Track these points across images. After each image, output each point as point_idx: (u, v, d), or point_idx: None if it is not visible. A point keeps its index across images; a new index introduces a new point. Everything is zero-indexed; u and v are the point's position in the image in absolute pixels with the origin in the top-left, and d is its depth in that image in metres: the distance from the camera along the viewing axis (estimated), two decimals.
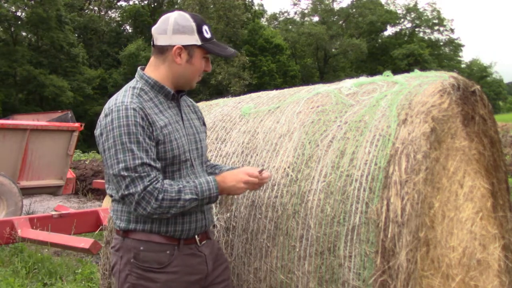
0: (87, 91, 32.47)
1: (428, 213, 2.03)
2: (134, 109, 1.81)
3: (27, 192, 8.09)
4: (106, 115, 1.84)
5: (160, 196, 1.78)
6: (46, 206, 10.00)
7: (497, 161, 2.58)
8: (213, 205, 2.27)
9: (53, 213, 5.74)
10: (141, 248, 1.88)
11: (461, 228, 2.31)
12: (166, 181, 1.84)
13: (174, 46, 1.90)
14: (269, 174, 2.03)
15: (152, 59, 2.00)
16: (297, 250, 2.02)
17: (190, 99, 2.18)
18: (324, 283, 1.94)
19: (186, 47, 1.92)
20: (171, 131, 1.90)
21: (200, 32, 1.93)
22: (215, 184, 1.90)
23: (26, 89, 31.24)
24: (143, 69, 2.02)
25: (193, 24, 1.93)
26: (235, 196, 2.26)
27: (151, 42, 2.01)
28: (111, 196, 2.01)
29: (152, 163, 1.81)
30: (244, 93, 3.44)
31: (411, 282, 1.78)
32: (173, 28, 1.91)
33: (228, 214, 2.29)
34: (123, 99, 1.85)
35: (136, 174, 1.76)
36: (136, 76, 2.01)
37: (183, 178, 1.94)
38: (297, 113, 2.36)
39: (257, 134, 2.41)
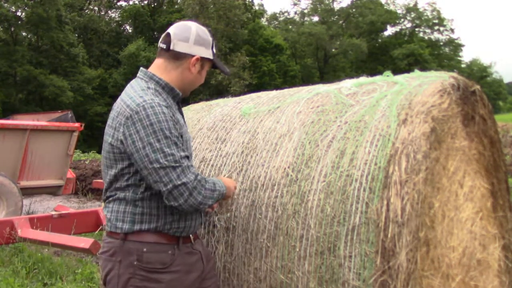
0: (87, 91, 32.44)
1: (428, 213, 2.03)
2: (165, 107, 1.87)
3: (27, 192, 8.09)
4: (137, 112, 1.83)
5: (207, 186, 1.89)
6: (46, 206, 10.00)
7: (497, 161, 2.58)
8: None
9: (53, 213, 5.73)
10: (144, 249, 1.89)
11: (461, 228, 2.31)
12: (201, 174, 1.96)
13: (193, 56, 2.00)
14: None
15: (161, 62, 2.03)
16: (297, 250, 2.02)
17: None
18: (324, 283, 1.94)
19: (202, 59, 2.03)
20: (184, 132, 1.99)
21: (213, 47, 2.08)
22: (223, 183, 2.04)
23: (26, 89, 31.21)
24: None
25: (211, 39, 2.07)
26: (235, 196, 2.27)
27: (163, 46, 2.03)
28: (107, 197, 1.98)
29: (189, 156, 1.92)
30: (244, 93, 3.45)
31: (411, 282, 1.78)
32: (195, 38, 2.01)
33: (228, 214, 2.29)
34: (150, 97, 1.88)
35: (184, 164, 1.83)
36: (142, 76, 2.02)
37: None
38: (297, 113, 2.37)
39: (257, 134, 2.41)
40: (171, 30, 2.04)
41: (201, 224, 2.12)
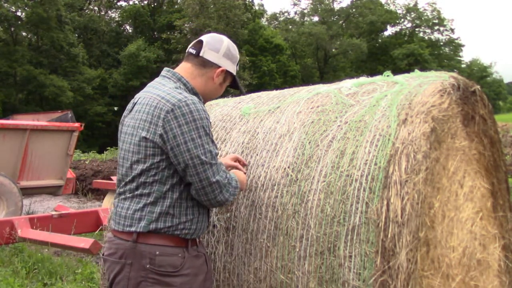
0: (87, 91, 32.45)
1: (428, 213, 2.03)
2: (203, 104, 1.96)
3: (27, 192, 8.09)
4: (179, 107, 1.85)
5: (233, 183, 1.97)
6: (46, 206, 10.01)
7: (497, 161, 2.58)
8: None
9: (53, 213, 5.73)
10: (157, 252, 1.88)
11: (461, 228, 2.31)
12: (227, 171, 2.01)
13: (220, 67, 2.07)
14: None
15: (189, 66, 2.08)
16: (297, 250, 2.02)
17: None
18: (324, 283, 1.94)
19: (226, 71, 2.11)
20: None
21: (237, 64, 2.18)
22: (237, 179, 2.08)
23: (26, 89, 31.22)
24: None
25: (238, 57, 2.17)
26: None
27: (192, 51, 2.08)
28: (124, 193, 1.96)
29: None
30: (244, 93, 3.45)
31: (411, 282, 1.78)
32: (225, 52, 2.09)
33: (228, 214, 2.29)
34: (190, 95, 1.95)
35: (218, 161, 1.93)
36: (170, 76, 2.04)
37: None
38: (297, 113, 2.37)
39: (257, 134, 2.41)
40: (204, 38, 2.10)
41: (207, 229, 2.15)
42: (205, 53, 2.06)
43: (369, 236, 1.85)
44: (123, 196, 1.97)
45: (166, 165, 1.89)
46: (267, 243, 2.12)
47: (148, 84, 2.08)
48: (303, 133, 2.23)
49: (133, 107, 2.01)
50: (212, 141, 1.92)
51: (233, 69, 2.14)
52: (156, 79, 2.07)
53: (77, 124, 8.60)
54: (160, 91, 1.94)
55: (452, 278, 2.20)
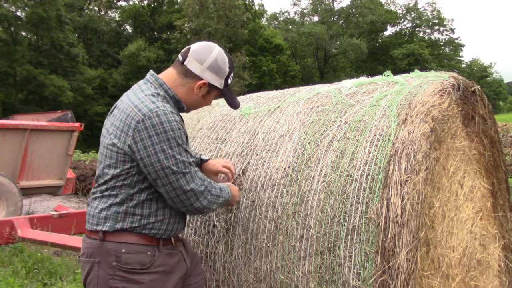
0: (87, 91, 32.44)
1: (428, 213, 2.03)
2: (176, 115, 1.91)
3: (27, 192, 8.08)
4: (149, 118, 1.83)
5: (212, 191, 1.97)
6: (46, 206, 10.00)
7: (497, 161, 2.58)
8: None
9: (53, 213, 5.73)
10: (123, 250, 1.89)
11: (461, 228, 2.31)
12: (208, 179, 2.00)
13: (202, 79, 1.99)
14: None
15: (174, 73, 2.02)
16: (297, 250, 2.02)
17: None
18: (324, 283, 1.94)
19: (210, 84, 2.02)
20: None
21: (227, 78, 2.06)
22: (230, 190, 2.11)
23: (26, 89, 31.21)
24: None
25: (227, 71, 2.04)
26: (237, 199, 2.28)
27: (179, 58, 2.02)
28: (96, 193, 1.98)
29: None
30: (244, 93, 3.45)
31: (411, 282, 1.78)
32: (211, 64, 2.00)
33: (229, 215, 2.29)
34: (162, 104, 1.88)
35: (193, 170, 1.91)
36: (153, 81, 2.01)
37: None
38: (297, 113, 2.36)
39: (257, 134, 2.41)
40: (193, 46, 2.04)
41: (183, 229, 2.15)
42: (189, 63, 1.99)
43: (369, 236, 1.85)
44: (93, 196, 2.00)
45: (137, 171, 1.90)
46: (267, 243, 2.12)
47: (132, 87, 2.05)
48: (303, 133, 2.23)
49: (113, 110, 2.01)
50: (186, 150, 1.89)
51: (218, 82, 2.03)
52: (139, 82, 2.04)
53: (77, 124, 8.59)
54: (135, 98, 1.91)
55: (452, 278, 2.20)
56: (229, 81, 2.06)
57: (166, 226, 1.98)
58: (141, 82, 2.03)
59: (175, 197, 1.88)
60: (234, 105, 2.15)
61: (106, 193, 1.94)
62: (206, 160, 2.29)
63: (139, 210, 1.92)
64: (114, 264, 1.88)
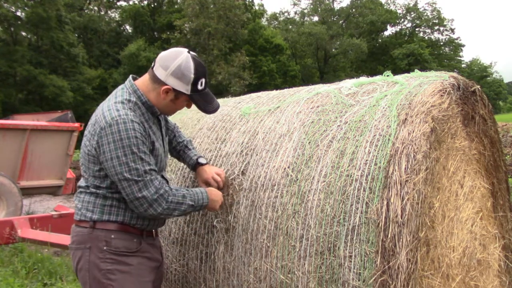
0: (87, 91, 32.46)
1: (428, 213, 2.03)
2: (137, 123, 1.98)
3: (27, 192, 8.09)
4: (110, 125, 1.94)
5: (170, 199, 2.03)
6: (46, 206, 10.00)
7: (497, 161, 2.58)
8: None
9: (53, 213, 5.73)
10: (112, 236, 2.03)
11: (461, 228, 2.31)
12: (173, 186, 2.08)
13: (165, 85, 2.05)
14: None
15: (147, 78, 2.12)
16: (297, 250, 2.02)
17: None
18: (324, 283, 1.94)
19: (175, 90, 2.06)
20: (157, 147, 2.11)
21: (194, 84, 2.07)
22: (207, 196, 2.18)
23: (26, 89, 31.20)
24: (134, 79, 2.15)
25: (192, 77, 2.05)
26: (235, 197, 2.28)
27: (152, 63, 2.11)
28: (81, 187, 2.11)
29: (156, 169, 2.05)
30: (244, 93, 3.46)
31: (411, 282, 1.78)
32: (174, 70, 2.04)
33: (229, 215, 2.29)
34: (125, 112, 1.98)
35: (147, 178, 1.97)
36: (128, 87, 2.11)
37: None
38: (297, 113, 2.36)
39: (257, 134, 2.41)
40: (162, 53, 2.12)
41: (164, 223, 2.31)
42: (156, 69, 2.07)
43: (369, 236, 1.85)
44: (79, 190, 2.14)
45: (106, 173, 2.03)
46: (267, 243, 2.12)
47: (113, 91, 2.17)
48: (303, 133, 2.23)
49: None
50: (141, 159, 1.96)
51: (184, 88, 2.05)
52: (119, 87, 2.15)
53: (77, 124, 8.60)
54: (106, 105, 2.05)
55: (452, 278, 2.20)
56: (199, 86, 2.08)
57: (148, 221, 2.13)
58: (119, 87, 2.16)
59: (129, 201, 2.01)
60: (206, 110, 2.17)
61: (88, 190, 2.08)
62: (203, 165, 2.37)
63: (123, 205, 2.07)
64: (104, 248, 2.02)
